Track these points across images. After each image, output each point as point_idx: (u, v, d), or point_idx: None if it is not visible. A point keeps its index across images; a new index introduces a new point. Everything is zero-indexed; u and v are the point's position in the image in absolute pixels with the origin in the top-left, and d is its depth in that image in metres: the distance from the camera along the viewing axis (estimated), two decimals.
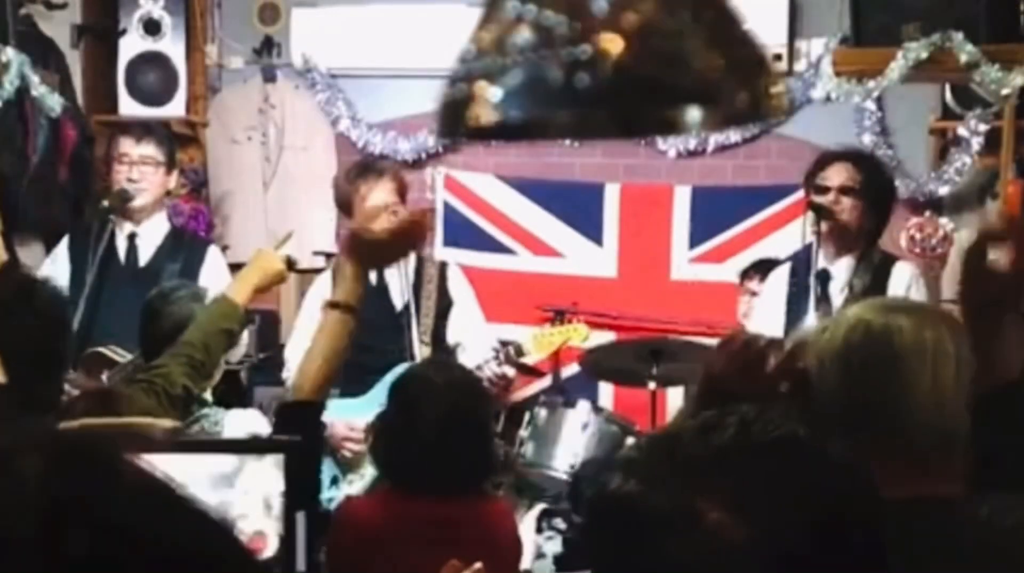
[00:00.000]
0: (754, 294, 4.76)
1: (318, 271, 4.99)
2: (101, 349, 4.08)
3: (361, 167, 4.64)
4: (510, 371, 4.46)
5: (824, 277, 4.00)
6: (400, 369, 3.51)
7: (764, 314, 4.16)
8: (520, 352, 4.49)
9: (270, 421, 2.92)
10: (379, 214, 4.40)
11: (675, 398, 5.05)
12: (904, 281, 3.97)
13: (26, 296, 2.61)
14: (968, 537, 1.62)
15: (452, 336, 4.53)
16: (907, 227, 4.72)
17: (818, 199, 3.94)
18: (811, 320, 3.77)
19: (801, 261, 4.08)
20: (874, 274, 3.99)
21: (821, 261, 3.97)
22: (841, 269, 4.01)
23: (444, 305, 4.55)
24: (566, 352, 4.94)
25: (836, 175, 3.98)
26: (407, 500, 2.85)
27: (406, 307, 4.35)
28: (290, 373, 4.56)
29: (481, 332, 4.66)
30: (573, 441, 4.49)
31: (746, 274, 4.87)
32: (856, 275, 3.99)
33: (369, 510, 2.99)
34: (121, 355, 4.03)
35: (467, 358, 4.34)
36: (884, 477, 1.23)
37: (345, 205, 4.49)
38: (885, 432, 1.69)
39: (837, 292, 3.99)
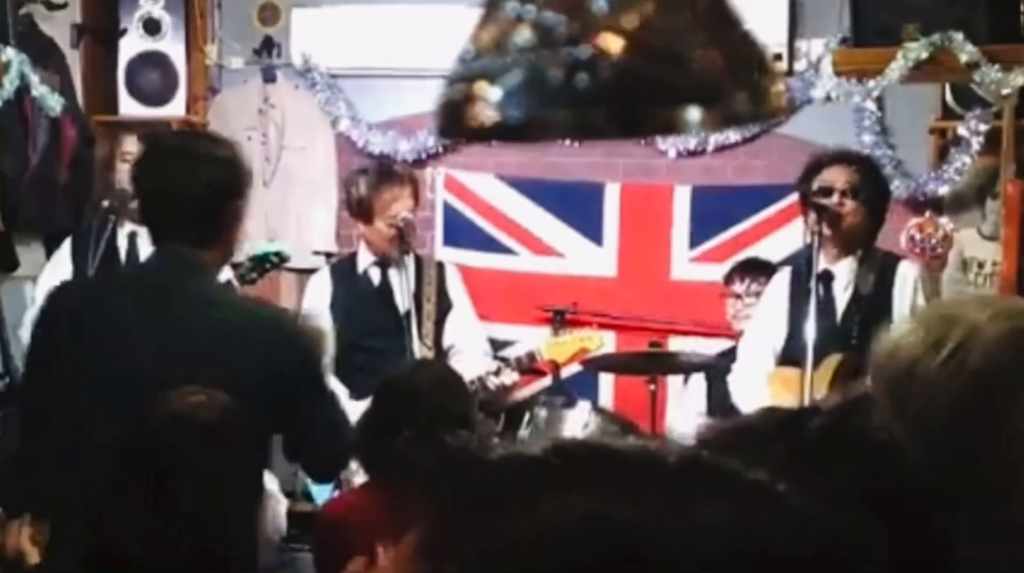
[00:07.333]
0: (739, 297, 4.75)
1: (318, 271, 5.00)
2: None
3: (381, 173, 4.62)
4: (513, 378, 4.48)
5: (827, 278, 4.00)
6: None
7: (765, 317, 4.15)
8: (534, 359, 4.50)
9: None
10: (397, 219, 4.45)
11: (675, 399, 5.05)
12: (911, 281, 3.99)
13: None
14: None
15: (447, 338, 4.54)
16: (907, 227, 4.71)
17: (821, 201, 3.93)
18: (812, 322, 3.77)
19: (801, 263, 4.07)
20: (878, 274, 4.00)
21: (822, 262, 3.96)
22: (843, 270, 4.01)
23: (444, 307, 4.56)
24: None
25: (838, 177, 3.97)
26: (391, 496, 2.86)
27: (409, 310, 4.36)
28: None
29: (476, 335, 4.66)
30: None
31: (729, 278, 4.86)
32: (859, 276, 3.99)
33: (353, 506, 3.01)
34: None
35: (461, 361, 4.33)
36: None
37: (364, 209, 4.50)
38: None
39: (840, 292, 4.00)
